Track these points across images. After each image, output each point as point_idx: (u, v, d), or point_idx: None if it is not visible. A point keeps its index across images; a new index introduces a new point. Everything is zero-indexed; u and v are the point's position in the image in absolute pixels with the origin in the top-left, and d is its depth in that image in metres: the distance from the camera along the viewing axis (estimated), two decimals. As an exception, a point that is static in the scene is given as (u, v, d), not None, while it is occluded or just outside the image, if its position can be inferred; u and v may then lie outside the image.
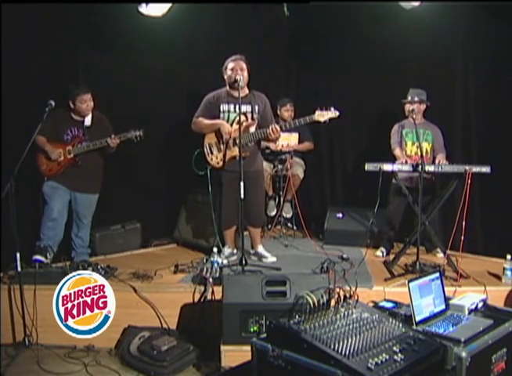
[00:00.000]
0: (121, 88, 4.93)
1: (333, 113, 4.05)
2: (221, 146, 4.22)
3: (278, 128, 4.08)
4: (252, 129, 4.19)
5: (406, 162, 4.29)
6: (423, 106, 4.66)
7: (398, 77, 5.11)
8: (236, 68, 4.09)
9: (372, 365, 2.10)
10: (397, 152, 4.66)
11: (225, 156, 4.21)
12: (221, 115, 4.22)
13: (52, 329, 3.41)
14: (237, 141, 4.04)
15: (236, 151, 4.09)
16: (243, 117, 4.11)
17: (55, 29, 4.60)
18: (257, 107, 4.22)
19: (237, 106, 4.01)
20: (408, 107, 4.61)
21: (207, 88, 4.41)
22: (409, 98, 4.62)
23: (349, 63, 5.48)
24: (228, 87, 4.22)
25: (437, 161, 4.42)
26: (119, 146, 4.41)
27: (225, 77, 4.18)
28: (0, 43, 4.17)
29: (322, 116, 4.05)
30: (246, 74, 4.12)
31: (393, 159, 4.57)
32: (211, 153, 4.28)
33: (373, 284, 3.75)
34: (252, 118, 4.21)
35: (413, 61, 5.11)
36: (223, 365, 3.14)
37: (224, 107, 4.21)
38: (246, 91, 4.22)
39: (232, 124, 4.17)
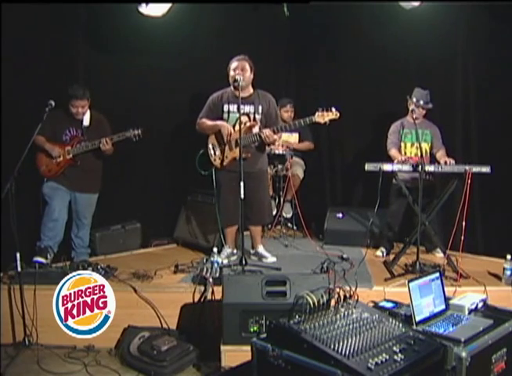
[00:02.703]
0: (121, 87, 4.94)
1: (333, 114, 4.00)
2: (223, 147, 4.23)
3: (271, 134, 4.07)
4: (255, 130, 4.17)
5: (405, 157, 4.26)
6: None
7: (398, 77, 5.12)
8: (237, 68, 4.09)
9: (372, 365, 2.10)
10: (392, 152, 4.62)
11: (226, 157, 4.22)
12: (225, 115, 4.22)
13: (52, 329, 3.42)
14: (238, 142, 4.05)
15: (237, 152, 4.07)
16: (245, 118, 4.10)
17: (56, 29, 4.60)
18: (260, 107, 4.21)
19: (240, 107, 4.01)
20: (411, 106, 4.57)
21: (207, 88, 4.41)
22: (415, 99, 4.51)
23: (349, 63, 5.49)
24: (232, 87, 4.21)
25: (442, 161, 4.33)
26: (114, 145, 4.39)
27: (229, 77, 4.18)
28: (0, 43, 4.17)
29: (323, 117, 4.00)
30: (248, 74, 4.12)
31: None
32: (214, 153, 4.28)
33: (373, 284, 3.75)
34: (254, 119, 4.21)
35: (413, 61, 5.11)
36: (223, 365, 3.14)
37: (227, 108, 4.21)
38: (251, 90, 4.23)
39: (234, 125, 4.17)
